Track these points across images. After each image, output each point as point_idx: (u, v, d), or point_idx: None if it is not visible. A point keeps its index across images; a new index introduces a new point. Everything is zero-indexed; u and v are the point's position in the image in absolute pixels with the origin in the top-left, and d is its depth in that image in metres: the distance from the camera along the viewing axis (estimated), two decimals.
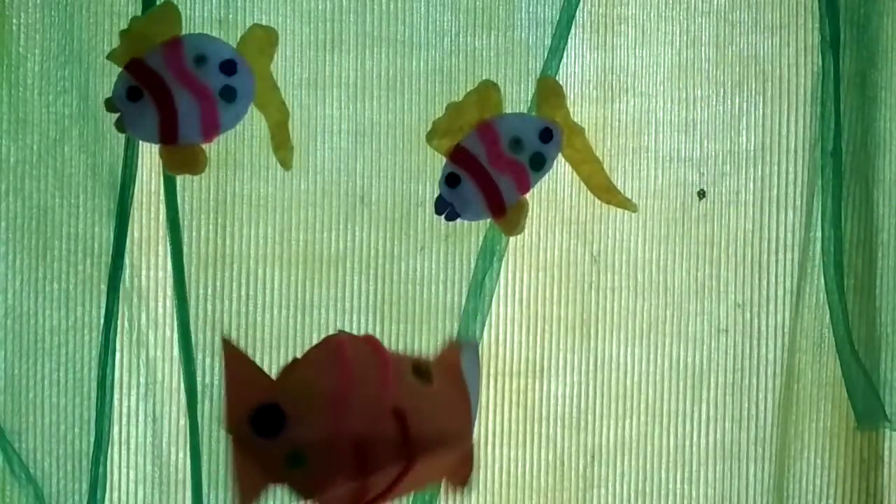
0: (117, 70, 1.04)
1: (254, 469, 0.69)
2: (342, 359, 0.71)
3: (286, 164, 1.03)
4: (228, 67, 1.00)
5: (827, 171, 1.14)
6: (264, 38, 1.02)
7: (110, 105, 1.00)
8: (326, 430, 0.68)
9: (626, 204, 1.08)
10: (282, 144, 1.02)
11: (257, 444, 0.69)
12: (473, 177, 1.02)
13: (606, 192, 1.08)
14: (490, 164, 1.02)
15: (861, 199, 1.17)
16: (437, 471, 0.74)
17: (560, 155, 1.05)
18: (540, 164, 1.03)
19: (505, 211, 1.03)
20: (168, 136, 0.99)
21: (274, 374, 0.72)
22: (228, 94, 1.00)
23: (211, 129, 1.00)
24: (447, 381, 0.74)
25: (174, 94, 0.99)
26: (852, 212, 1.17)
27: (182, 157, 1.01)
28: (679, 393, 1.20)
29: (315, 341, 0.76)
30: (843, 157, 1.14)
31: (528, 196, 1.04)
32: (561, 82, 1.09)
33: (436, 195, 1.04)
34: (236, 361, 0.72)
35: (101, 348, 1.09)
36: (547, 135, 1.03)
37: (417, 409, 0.70)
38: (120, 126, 1.01)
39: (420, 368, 0.73)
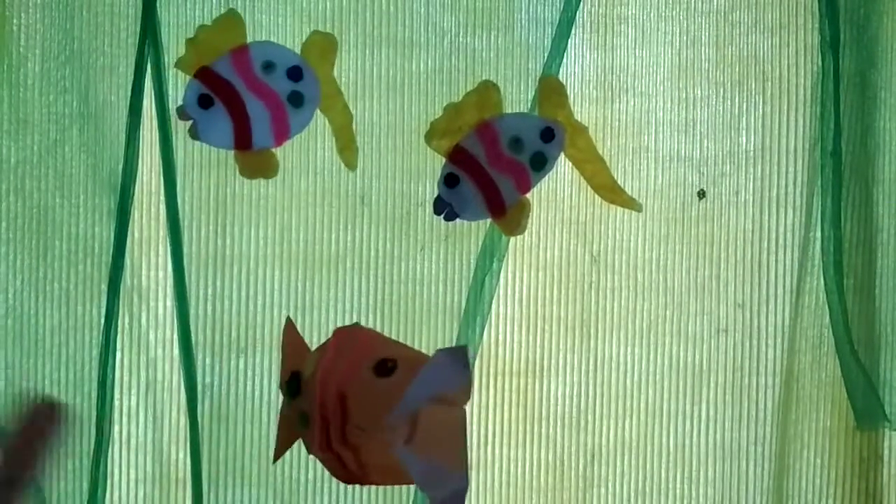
0: (117, 71, 1.05)
1: (286, 426, 0.87)
2: (330, 345, 0.84)
3: (351, 165, 1.05)
4: (295, 73, 1.02)
5: (827, 171, 1.14)
6: (325, 44, 1.04)
7: (182, 113, 1.02)
8: (311, 402, 0.82)
9: (630, 203, 1.08)
10: (347, 146, 1.04)
11: (287, 403, 0.87)
12: (472, 177, 1.02)
13: (611, 191, 1.07)
14: (489, 164, 1.02)
15: (861, 199, 1.17)
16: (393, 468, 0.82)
17: (562, 154, 1.05)
18: (541, 163, 1.03)
19: (505, 211, 1.03)
20: (242, 142, 1.02)
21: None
22: (296, 100, 1.02)
23: (282, 133, 1.03)
24: (403, 379, 0.82)
25: (245, 100, 1.01)
26: (852, 212, 1.17)
27: (257, 162, 1.03)
28: (679, 393, 1.20)
29: (315, 341, 0.88)
30: (842, 157, 1.14)
31: (528, 196, 1.04)
32: None
33: (435, 197, 1.04)
34: (290, 336, 0.89)
35: (102, 348, 1.09)
36: (548, 134, 1.03)
37: (361, 398, 0.81)
38: (193, 134, 1.02)
39: (386, 363, 0.82)
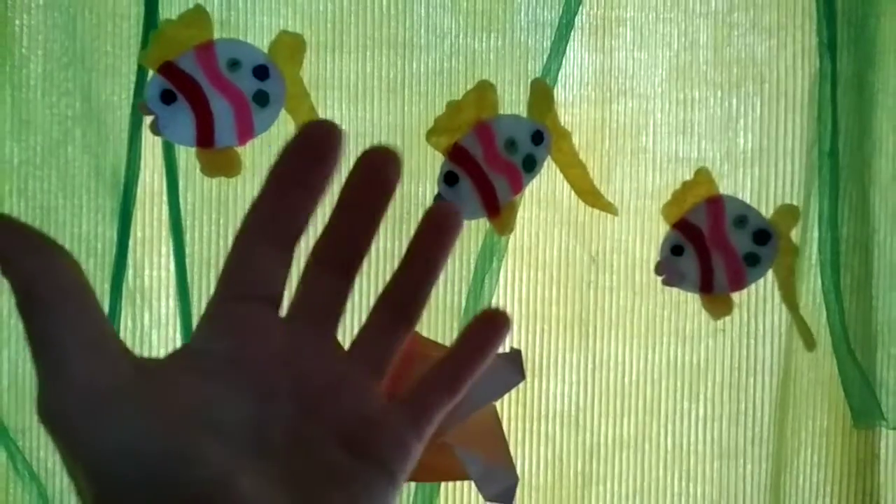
0: (119, 71, 1.05)
1: None
2: None
3: None
4: (261, 72, 1.01)
5: (824, 171, 1.14)
6: (293, 44, 1.03)
7: (144, 108, 1.01)
8: None
9: (608, 207, 1.10)
10: None
11: None
12: (471, 176, 1.02)
13: (591, 195, 1.09)
14: (486, 165, 1.03)
15: (858, 200, 1.18)
16: (439, 467, 0.80)
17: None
18: (531, 165, 1.04)
19: (499, 211, 1.04)
20: (205, 140, 1.01)
21: None
22: (261, 99, 1.01)
23: (245, 132, 1.02)
24: None
25: (209, 97, 1.00)
26: (849, 212, 1.17)
27: (219, 161, 1.02)
28: (677, 391, 1.20)
29: None
30: (839, 158, 1.15)
31: (519, 196, 1.05)
32: (559, 84, 1.10)
33: (435, 195, 1.04)
34: None
35: None
36: (539, 137, 1.04)
37: None
38: (154, 129, 1.02)
39: None
